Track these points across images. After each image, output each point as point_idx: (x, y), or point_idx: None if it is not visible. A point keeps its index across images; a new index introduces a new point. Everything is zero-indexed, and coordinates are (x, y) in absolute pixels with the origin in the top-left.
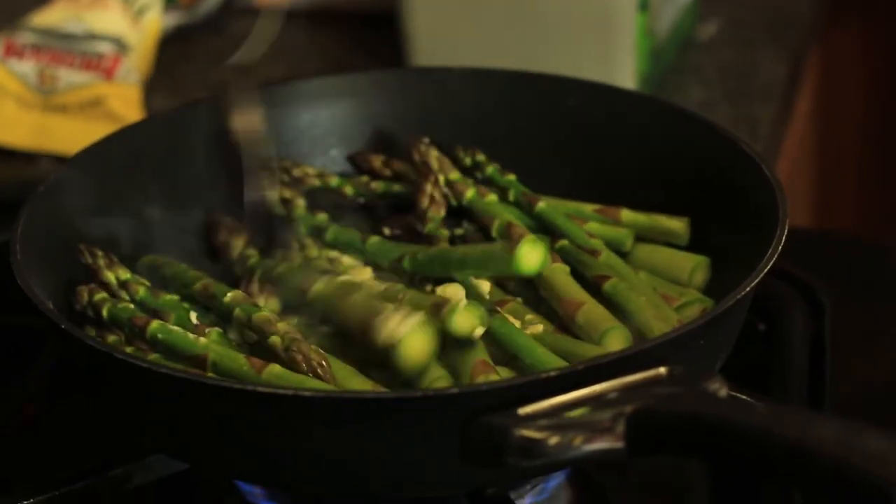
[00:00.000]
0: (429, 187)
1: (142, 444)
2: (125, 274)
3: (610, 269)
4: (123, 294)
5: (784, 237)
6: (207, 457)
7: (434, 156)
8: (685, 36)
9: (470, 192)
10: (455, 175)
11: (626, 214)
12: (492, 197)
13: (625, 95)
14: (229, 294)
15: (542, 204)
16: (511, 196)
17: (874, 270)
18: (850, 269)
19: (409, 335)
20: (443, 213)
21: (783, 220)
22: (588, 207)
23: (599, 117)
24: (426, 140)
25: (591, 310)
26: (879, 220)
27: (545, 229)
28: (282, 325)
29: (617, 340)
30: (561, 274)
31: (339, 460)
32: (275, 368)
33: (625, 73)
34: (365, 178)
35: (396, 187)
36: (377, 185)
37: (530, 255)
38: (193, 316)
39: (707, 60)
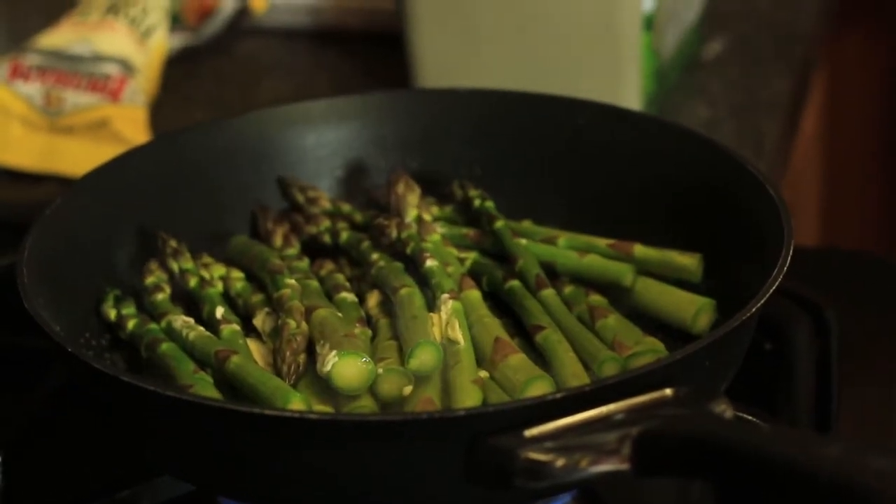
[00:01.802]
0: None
1: (148, 466)
2: (187, 263)
3: (546, 314)
4: (187, 278)
5: (789, 258)
6: (213, 479)
7: (413, 196)
8: (690, 55)
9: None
10: (427, 216)
11: (639, 249)
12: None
13: (629, 116)
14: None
15: (500, 225)
16: (495, 225)
17: (881, 287)
18: (856, 286)
19: (337, 365)
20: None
21: (788, 240)
22: (601, 242)
23: (604, 137)
24: (408, 179)
25: (520, 359)
26: (887, 235)
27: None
28: (292, 322)
29: (540, 390)
30: (496, 327)
31: (343, 482)
32: (235, 359)
33: (630, 93)
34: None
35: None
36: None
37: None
38: (219, 311)
39: (712, 78)
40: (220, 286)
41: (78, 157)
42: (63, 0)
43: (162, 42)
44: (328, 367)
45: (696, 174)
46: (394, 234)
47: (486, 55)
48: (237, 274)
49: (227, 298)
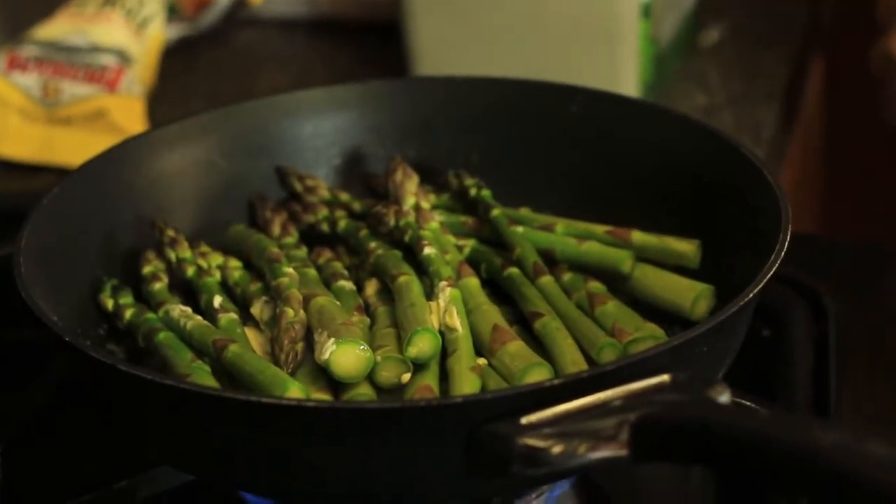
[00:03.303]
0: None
1: (147, 457)
2: (185, 252)
3: (545, 301)
4: (184, 267)
5: (787, 244)
6: (212, 469)
7: (411, 183)
8: (687, 42)
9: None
10: (426, 205)
11: (637, 236)
12: (433, 224)
13: (627, 103)
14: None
15: (494, 213)
16: (492, 214)
17: (879, 275)
18: (855, 273)
19: (335, 353)
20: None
21: (786, 226)
22: (599, 229)
23: (601, 124)
24: (406, 167)
25: (518, 346)
26: (885, 224)
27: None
28: (290, 311)
29: (538, 377)
30: (494, 314)
31: (342, 471)
32: (233, 348)
33: (628, 81)
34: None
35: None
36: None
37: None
38: (217, 300)
39: (710, 66)
40: (217, 275)
41: (75, 148)
42: None
43: (159, 33)
44: (326, 355)
45: (694, 161)
46: (392, 221)
47: (484, 43)
48: (235, 263)
49: (225, 287)
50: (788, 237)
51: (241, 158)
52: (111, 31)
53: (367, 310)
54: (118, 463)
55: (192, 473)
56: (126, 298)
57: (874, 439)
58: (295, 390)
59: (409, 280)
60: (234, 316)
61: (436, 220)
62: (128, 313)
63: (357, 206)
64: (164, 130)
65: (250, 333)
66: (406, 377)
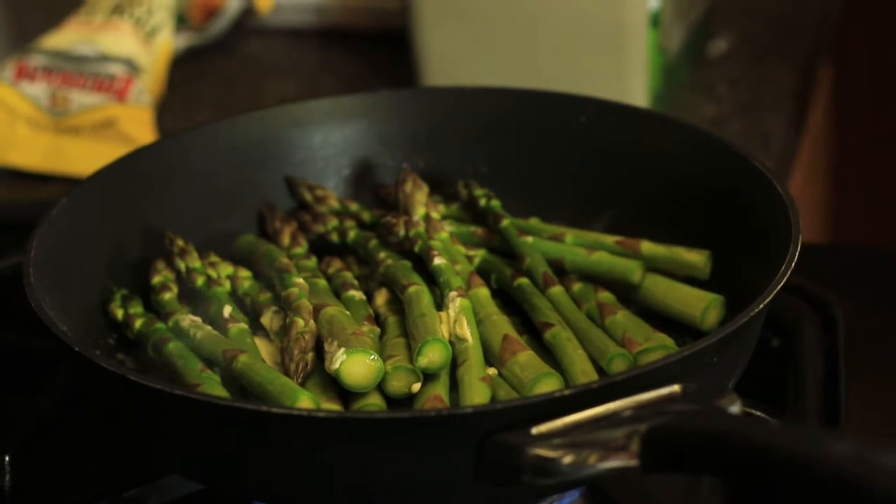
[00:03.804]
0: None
1: (156, 466)
2: (194, 262)
3: (555, 311)
4: (194, 277)
5: (797, 255)
6: (221, 477)
7: (421, 194)
8: (696, 52)
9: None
10: (436, 215)
11: (647, 246)
12: (443, 234)
13: (635, 113)
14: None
15: (504, 223)
16: (502, 224)
17: (888, 283)
18: (864, 282)
19: (346, 363)
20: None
21: (796, 237)
22: (609, 239)
23: (610, 134)
24: (416, 177)
25: (528, 356)
26: (894, 231)
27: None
28: (300, 321)
29: (549, 387)
30: (504, 325)
31: (352, 480)
32: (243, 358)
33: (637, 90)
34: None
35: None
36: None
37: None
38: (227, 310)
39: (718, 75)
40: (227, 285)
41: (84, 158)
42: (68, 0)
43: (167, 42)
44: (336, 365)
45: (703, 170)
46: (402, 232)
47: (492, 53)
48: (245, 273)
49: (235, 297)
50: (799, 248)
51: (250, 168)
52: (119, 41)
53: (377, 320)
54: (127, 471)
55: (200, 482)
56: (136, 308)
57: (883, 449)
58: (305, 400)
59: (419, 290)
60: (243, 326)
61: (446, 231)
62: (137, 323)
63: (367, 216)
64: (172, 140)
65: (260, 343)
66: (416, 387)
